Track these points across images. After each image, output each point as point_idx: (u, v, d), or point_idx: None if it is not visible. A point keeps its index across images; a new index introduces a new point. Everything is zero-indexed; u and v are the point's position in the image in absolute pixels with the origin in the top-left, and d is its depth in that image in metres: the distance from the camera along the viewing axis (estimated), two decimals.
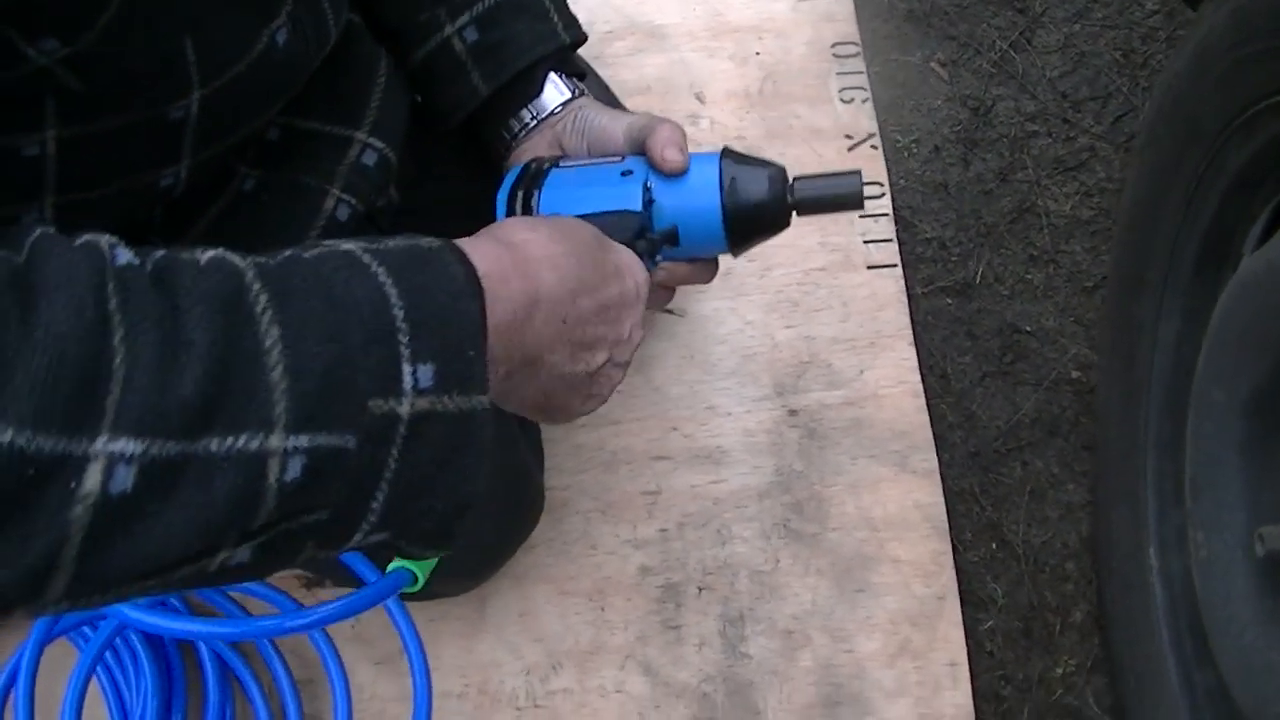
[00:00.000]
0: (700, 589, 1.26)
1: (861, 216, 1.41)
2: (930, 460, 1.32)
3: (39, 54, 0.63)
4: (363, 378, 0.54)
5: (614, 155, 0.92)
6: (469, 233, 0.69)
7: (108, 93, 0.69)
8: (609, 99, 1.16)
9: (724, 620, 1.25)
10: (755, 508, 1.29)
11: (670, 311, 1.36)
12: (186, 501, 0.50)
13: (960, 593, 1.27)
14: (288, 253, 0.57)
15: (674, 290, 0.94)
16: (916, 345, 1.37)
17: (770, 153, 1.44)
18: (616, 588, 1.26)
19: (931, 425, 1.33)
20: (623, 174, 0.89)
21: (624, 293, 0.76)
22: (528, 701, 1.22)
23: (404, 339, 0.56)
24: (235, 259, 0.54)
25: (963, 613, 1.26)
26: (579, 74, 1.00)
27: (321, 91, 0.88)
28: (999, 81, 1.53)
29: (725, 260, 0.95)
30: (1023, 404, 1.38)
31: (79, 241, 0.51)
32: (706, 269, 0.93)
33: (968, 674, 1.24)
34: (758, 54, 1.52)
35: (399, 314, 0.56)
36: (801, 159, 1.44)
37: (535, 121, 0.96)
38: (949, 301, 1.42)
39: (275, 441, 0.51)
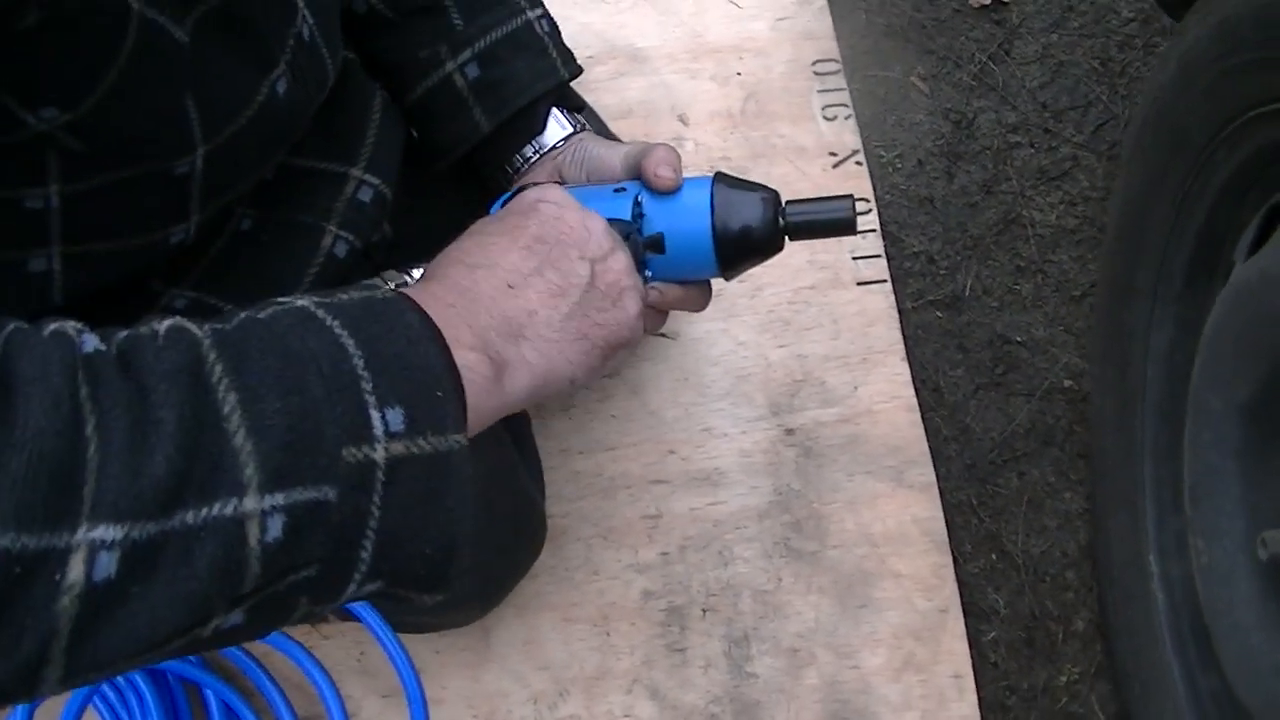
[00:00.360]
0: (704, 611, 1.26)
1: None
2: (927, 474, 1.32)
3: (39, 121, 0.63)
4: (331, 428, 0.55)
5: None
6: None
7: (110, 152, 0.69)
8: (600, 127, 1.17)
9: (729, 641, 1.25)
10: (755, 528, 1.30)
11: (663, 335, 1.36)
12: (170, 578, 0.50)
13: (962, 604, 1.27)
14: (242, 315, 0.58)
15: (666, 314, 0.94)
16: (909, 360, 1.37)
17: (755, 172, 1.46)
18: (620, 613, 1.26)
19: (927, 439, 1.34)
20: (615, 190, 0.90)
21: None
22: None
23: (367, 385, 0.57)
24: (192, 329, 0.55)
25: (965, 624, 1.27)
26: (578, 107, 1.01)
27: (317, 129, 0.88)
28: (979, 94, 1.54)
29: (715, 282, 0.95)
30: (1016, 415, 1.38)
31: (49, 331, 0.52)
32: (700, 294, 0.93)
33: (973, 685, 1.24)
34: (739, 74, 1.53)
35: (359, 362, 0.57)
36: (786, 178, 1.45)
37: (537, 155, 0.97)
38: (939, 315, 1.43)
39: (250, 504, 0.52)
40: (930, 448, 1.34)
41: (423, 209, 1.02)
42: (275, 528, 0.53)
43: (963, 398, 1.40)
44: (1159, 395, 1.14)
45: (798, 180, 1.45)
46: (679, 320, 1.38)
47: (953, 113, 1.53)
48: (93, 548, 0.48)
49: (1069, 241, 1.46)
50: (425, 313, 0.62)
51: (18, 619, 0.47)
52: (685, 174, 0.89)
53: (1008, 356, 1.41)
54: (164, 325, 0.55)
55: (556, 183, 0.96)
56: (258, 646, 1.17)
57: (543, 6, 1.00)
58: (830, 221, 0.89)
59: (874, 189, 1.47)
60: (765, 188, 0.90)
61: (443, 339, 0.61)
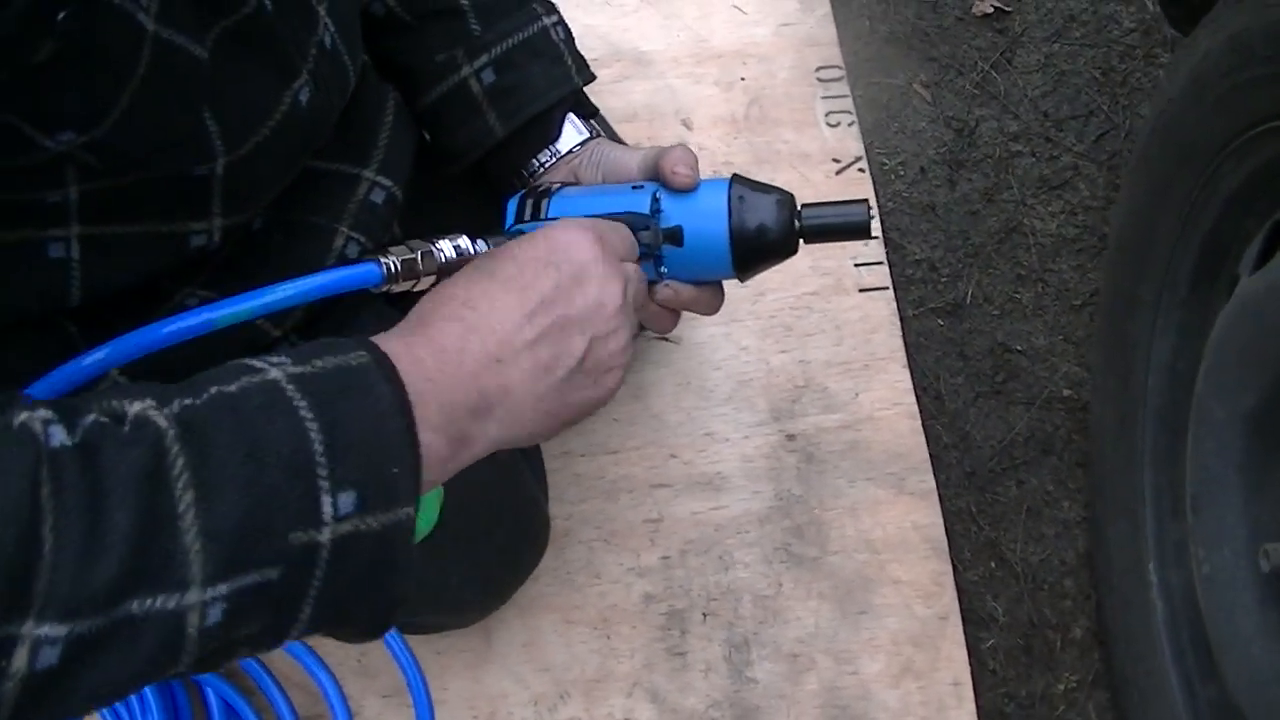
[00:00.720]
0: (705, 615, 1.27)
1: None
2: (928, 481, 1.33)
3: (56, 144, 0.64)
4: (280, 516, 0.57)
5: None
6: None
7: (127, 165, 0.70)
8: (609, 132, 1.17)
9: (729, 645, 1.26)
10: (756, 533, 1.30)
11: (666, 338, 1.36)
12: (109, 664, 0.53)
13: (961, 611, 1.28)
14: (213, 390, 0.59)
15: (679, 314, 0.94)
16: (910, 367, 1.38)
17: (758, 178, 1.45)
18: (621, 616, 1.26)
19: (927, 446, 1.34)
20: (633, 188, 0.90)
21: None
22: None
23: (323, 471, 0.58)
24: (159, 419, 0.56)
25: (964, 631, 1.27)
26: (591, 114, 1.01)
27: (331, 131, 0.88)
28: (981, 102, 1.55)
29: None
30: (1016, 423, 1.39)
31: (18, 422, 0.53)
32: (712, 295, 0.93)
33: (971, 693, 1.25)
34: (742, 79, 1.53)
35: (319, 448, 0.58)
36: (790, 184, 1.43)
37: (553, 160, 0.97)
38: (940, 322, 1.44)
39: (193, 597, 0.54)
40: (930, 455, 1.34)
41: (434, 211, 1.02)
42: (215, 614, 0.55)
43: (963, 405, 1.40)
44: (1160, 403, 1.15)
45: (801, 186, 1.45)
46: (682, 325, 1.37)
47: (955, 120, 1.54)
48: (37, 642, 0.50)
49: (1069, 250, 1.47)
50: (400, 383, 0.62)
51: None
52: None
53: (1008, 364, 1.42)
54: (132, 410, 0.56)
55: (571, 184, 0.96)
56: None
57: (558, 13, 1.00)
58: (846, 225, 0.89)
59: (876, 196, 1.47)
60: (781, 190, 0.90)
61: (411, 415, 0.62)
